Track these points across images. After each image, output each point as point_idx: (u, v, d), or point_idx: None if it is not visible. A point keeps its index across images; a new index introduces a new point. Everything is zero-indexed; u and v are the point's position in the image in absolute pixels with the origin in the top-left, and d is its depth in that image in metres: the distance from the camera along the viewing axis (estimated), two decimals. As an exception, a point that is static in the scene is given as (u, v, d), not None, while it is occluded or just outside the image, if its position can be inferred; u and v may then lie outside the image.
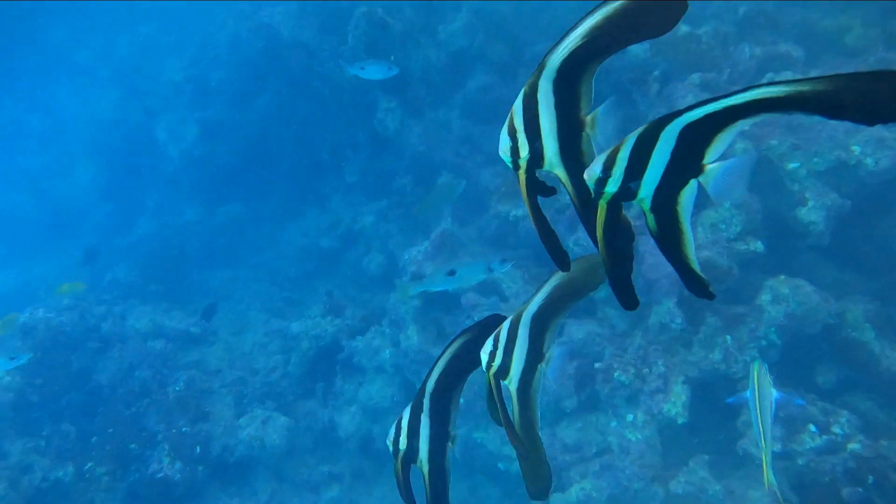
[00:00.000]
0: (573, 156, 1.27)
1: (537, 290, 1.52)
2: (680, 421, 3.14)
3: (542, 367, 1.56)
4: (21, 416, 4.56)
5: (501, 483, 4.55)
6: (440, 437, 1.64)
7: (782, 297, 3.05)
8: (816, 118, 0.89)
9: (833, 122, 3.06)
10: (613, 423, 3.50)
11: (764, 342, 3.10)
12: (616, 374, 3.36)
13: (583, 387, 3.83)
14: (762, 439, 2.27)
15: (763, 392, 2.26)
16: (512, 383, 1.53)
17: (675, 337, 3.39)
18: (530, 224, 1.28)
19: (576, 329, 3.87)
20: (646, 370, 3.32)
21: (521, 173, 1.32)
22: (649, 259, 3.43)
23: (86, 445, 4.44)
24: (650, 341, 3.43)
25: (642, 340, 3.45)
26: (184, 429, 4.46)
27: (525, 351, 1.52)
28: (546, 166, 1.29)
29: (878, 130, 3.02)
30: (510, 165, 1.30)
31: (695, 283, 1.13)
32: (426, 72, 6.12)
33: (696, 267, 1.12)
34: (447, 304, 4.74)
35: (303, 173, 7.27)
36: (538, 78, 1.25)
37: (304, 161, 7.24)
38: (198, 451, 4.42)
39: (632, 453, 3.21)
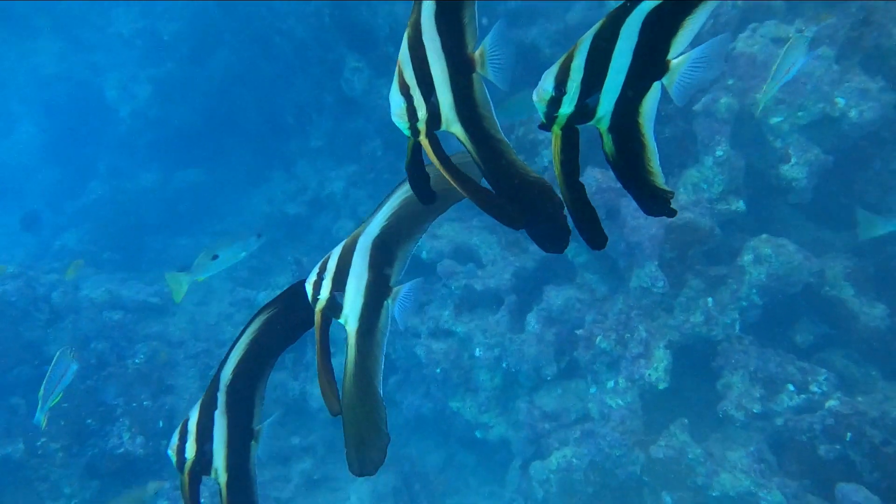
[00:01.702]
0: (469, 107, 1.06)
1: (378, 208, 1.26)
2: (661, 386, 3.10)
3: (388, 303, 1.30)
4: (-34, 392, 4.28)
5: (477, 451, 4.51)
6: (241, 438, 1.35)
7: (764, 258, 3.00)
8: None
9: (818, 73, 2.98)
10: (593, 390, 3.45)
11: (745, 303, 3.06)
12: (598, 341, 3.28)
13: (562, 353, 3.77)
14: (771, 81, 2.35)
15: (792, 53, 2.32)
16: (349, 322, 1.27)
17: (657, 301, 3.32)
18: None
19: (555, 295, 3.78)
20: (627, 335, 3.25)
21: (424, 139, 1.08)
22: (631, 222, 3.32)
23: (38, 422, 4.20)
24: (631, 306, 3.35)
25: (623, 305, 3.38)
26: (145, 402, 4.25)
27: (365, 283, 1.26)
28: (443, 126, 1.07)
29: (863, 81, 2.95)
30: (407, 132, 1.07)
31: (658, 203, 0.99)
32: (394, 29, 5.82)
33: (661, 183, 0.97)
34: (422, 272, 4.59)
35: (266, 136, 6.93)
36: (419, 14, 1.02)
37: (268, 123, 6.89)
38: (161, 424, 4.22)
39: (613, 419, 3.16)
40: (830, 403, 2.82)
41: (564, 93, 0.94)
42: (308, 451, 4.52)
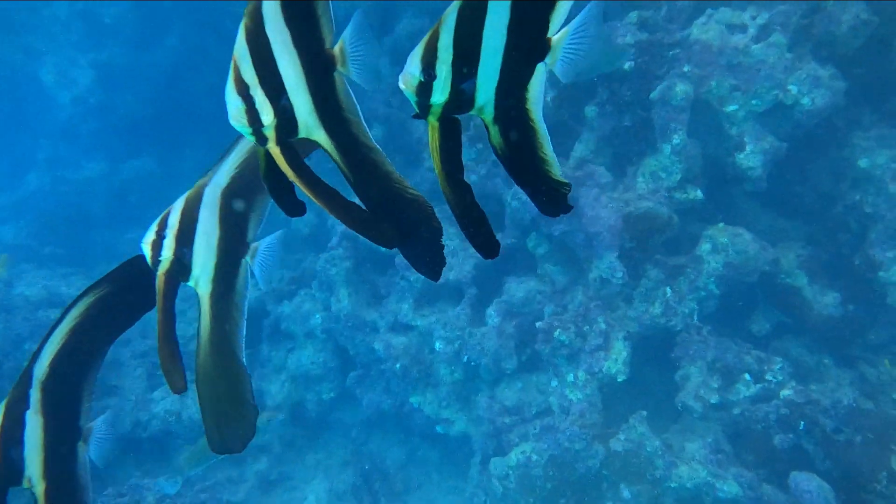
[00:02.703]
0: (332, 111, 0.93)
1: (224, 156, 1.12)
2: (620, 378, 3.06)
3: (246, 262, 1.18)
4: None
5: (440, 446, 4.44)
6: (63, 440, 1.17)
7: (721, 247, 2.98)
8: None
9: (771, 61, 2.96)
10: (554, 383, 3.40)
11: (703, 293, 3.04)
12: (556, 334, 3.23)
13: (523, 347, 3.70)
14: None
15: None
16: (200, 285, 1.13)
17: (616, 292, 3.28)
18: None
19: (516, 287, 3.71)
20: (586, 328, 3.20)
21: (274, 147, 0.93)
22: (589, 212, 3.27)
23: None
24: (591, 297, 3.31)
25: (583, 297, 3.33)
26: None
27: (216, 240, 1.13)
28: (301, 132, 0.94)
29: (814, 68, 2.94)
30: (250, 138, 0.93)
31: (555, 198, 0.90)
32: (349, 13, 5.62)
33: (557, 174, 0.88)
34: (381, 265, 4.47)
35: (221, 126, 6.66)
36: (258, 2, 0.88)
37: (222, 113, 6.62)
38: (106, 430, 4.01)
39: (572, 413, 3.11)
40: (784, 393, 2.83)
41: (434, 77, 0.84)
42: (263, 450, 4.38)
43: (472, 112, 0.87)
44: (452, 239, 4.33)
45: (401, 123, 5.29)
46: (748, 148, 2.97)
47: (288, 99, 0.92)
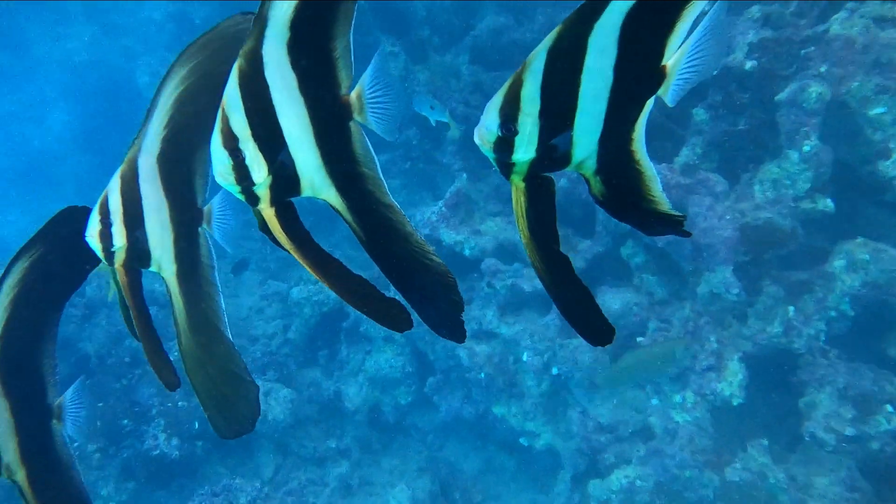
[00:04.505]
0: (346, 167, 0.81)
1: (147, 118, 0.96)
2: (735, 402, 2.84)
3: (204, 229, 1.04)
4: (1, 390, 4.21)
5: (517, 456, 4.32)
6: (34, 420, 1.06)
7: (860, 264, 2.70)
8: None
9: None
10: (654, 402, 3.21)
11: (833, 313, 2.78)
12: (663, 350, 3.03)
13: (618, 360, 3.53)
14: None
15: None
16: (164, 268, 1.01)
17: (727, 308, 3.05)
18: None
19: (611, 298, 3.52)
20: (696, 346, 2.99)
21: (268, 209, 0.82)
22: (701, 223, 3.05)
23: (73, 421, 4.11)
24: (699, 313, 3.09)
25: (690, 312, 3.11)
26: (180, 403, 4.13)
27: (167, 214, 0.99)
28: (306, 191, 0.82)
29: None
30: (241, 197, 0.81)
31: (673, 225, 0.77)
32: (431, 11, 5.55)
33: (668, 209, 0.75)
34: (462, 270, 4.37)
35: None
36: (258, 42, 0.74)
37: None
38: (196, 426, 4.10)
39: (680, 437, 2.92)
40: (931, 427, 2.54)
41: (516, 132, 0.71)
42: (344, 454, 4.38)
43: (568, 169, 0.74)
44: (539, 245, 4.19)
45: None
46: (894, 155, 2.68)
47: (288, 154, 0.81)
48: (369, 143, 0.84)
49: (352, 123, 0.83)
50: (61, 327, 3.98)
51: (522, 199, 0.75)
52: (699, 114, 3.24)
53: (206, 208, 1.04)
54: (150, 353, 1.03)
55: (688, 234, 0.79)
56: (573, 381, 3.62)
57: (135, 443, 3.96)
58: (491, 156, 0.75)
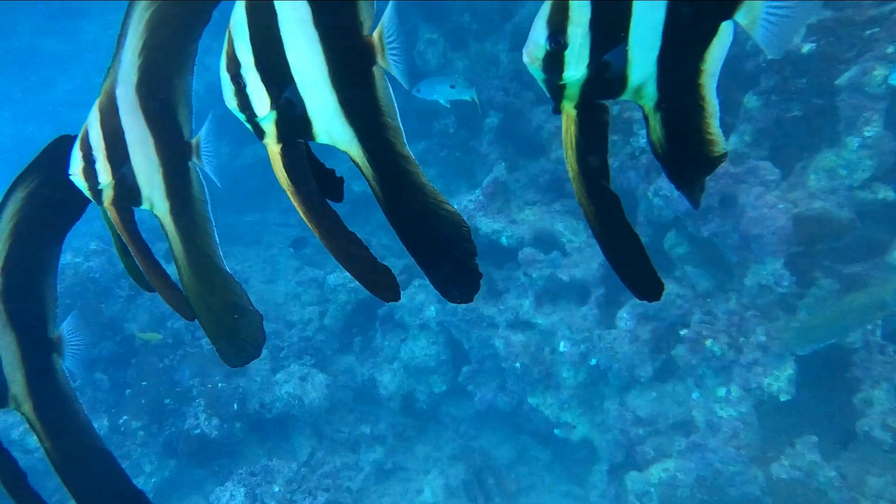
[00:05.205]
0: (367, 113, 0.76)
1: (119, 46, 0.89)
2: (783, 398, 2.76)
3: (194, 163, 0.98)
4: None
5: (552, 446, 4.28)
6: (37, 352, 1.04)
7: (922, 258, 2.58)
8: None
9: None
10: (696, 395, 3.13)
11: (894, 308, 2.65)
12: (708, 344, 2.95)
13: (657, 352, 3.46)
14: None
15: None
16: (156, 205, 0.96)
17: (776, 301, 2.95)
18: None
19: (652, 288, 3.45)
20: (742, 339, 2.91)
21: (274, 145, 0.78)
22: (750, 212, 2.95)
23: (120, 398, 4.24)
24: (745, 306, 3.00)
25: (736, 304, 3.02)
26: (220, 384, 4.22)
27: (152, 148, 0.93)
28: (321, 136, 0.78)
29: None
30: (248, 126, 0.78)
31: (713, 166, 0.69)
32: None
33: (723, 149, 0.67)
34: (499, 259, 4.34)
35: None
36: None
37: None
38: (235, 407, 4.18)
39: (723, 431, 2.84)
40: None
41: (565, 45, 0.62)
42: (378, 440, 4.41)
43: (625, 97, 0.65)
44: (578, 234, 4.12)
45: (518, 111, 5.11)
46: (964, 143, 2.54)
47: (296, 92, 0.75)
48: (391, 90, 0.79)
49: (375, 68, 0.77)
50: (108, 305, 4.08)
51: (573, 128, 0.69)
52: (750, 100, 3.13)
53: (193, 141, 1.00)
54: (161, 288, 1.03)
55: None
56: (611, 372, 3.57)
57: (176, 421, 4.06)
58: (540, 76, 0.68)
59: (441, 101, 4.31)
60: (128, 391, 4.17)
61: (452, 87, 4.23)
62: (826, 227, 2.81)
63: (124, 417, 4.03)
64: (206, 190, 1.03)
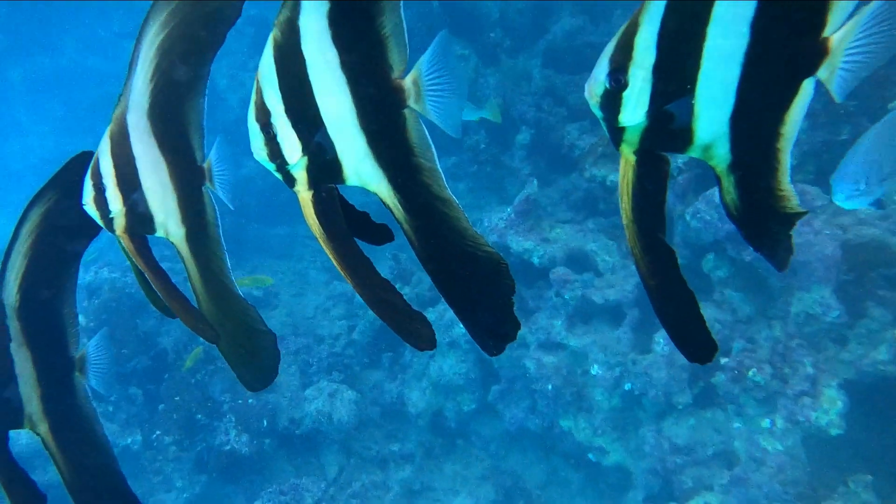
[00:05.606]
0: (397, 156, 0.74)
1: (130, 70, 0.90)
2: (833, 432, 2.64)
3: (207, 187, 0.97)
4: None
5: (584, 470, 4.19)
6: (57, 372, 1.00)
7: (985, 290, 2.45)
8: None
9: None
10: (737, 425, 3.02)
11: (951, 343, 2.53)
12: (751, 374, 2.85)
13: (695, 379, 3.36)
14: None
15: None
16: (171, 232, 0.97)
17: (824, 330, 2.83)
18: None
19: (691, 313, 3.36)
20: (787, 369, 2.80)
21: (305, 192, 0.77)
22: (796, 238, 2.84)
23: (153, 413, 4.29)
24: (791, 334, 2.89)
25: (781, 333, 2.91)
26: (250, 400, 4.24)
27: (166, 173, 0.93)
28: (351, 179, 0.76)
29: None
30: (279, 176, 0.77)
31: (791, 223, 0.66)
32: (504, 12, 5.48)
33: (797, 205, 0.65)
34: (529, 278, 4.28)
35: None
36: (294, 11, 0.69)
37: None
38: (265, 423, 4.20)
39: (769, 465, 2.73)
40: None
41: (625, 84, 0.58)
42: (407, 458, 4.38)
43: (692, 153, 0.61)
44: (612, 254, 4.05)
45: (551, 127, 5.06)
46: None
47: (326, 136, 0.74)
48: (426, 132, 0.78)
49: (406, 111, 0.76)
50: (143, 320, 4.14)
51: (631, 174, 0.66)
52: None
53: (205, 164, 1.00)
54: (182, 312, 1.01)
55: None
56: (647, 398, 3.47)
57: (207, 437, 4.10)
58: (599, 114, 0.65)
59: (468, 119, 4.31)
60: (161, 406, 4.23)
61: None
62: (878, 255, 2.69)
63: (157, 432, 4.07)
64: (217, 214, 1.03)
